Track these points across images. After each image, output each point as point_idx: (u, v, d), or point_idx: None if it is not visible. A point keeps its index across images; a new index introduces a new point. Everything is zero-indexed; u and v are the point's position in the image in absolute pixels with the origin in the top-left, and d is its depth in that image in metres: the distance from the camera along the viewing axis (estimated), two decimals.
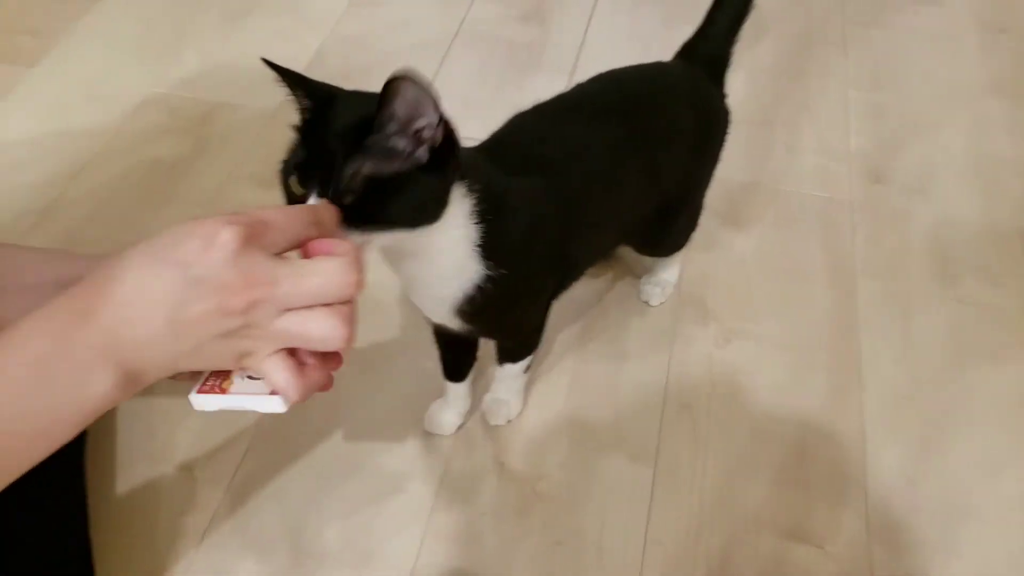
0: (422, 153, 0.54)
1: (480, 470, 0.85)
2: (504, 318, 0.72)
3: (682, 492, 0.84)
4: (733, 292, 1.02)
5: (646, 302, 0.99)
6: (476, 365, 0.86)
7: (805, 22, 1.44)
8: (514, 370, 0.84)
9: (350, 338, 0.46)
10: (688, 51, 0.85)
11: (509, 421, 0.89)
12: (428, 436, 0.88)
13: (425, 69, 1.34)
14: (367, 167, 0.52)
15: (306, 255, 0.47)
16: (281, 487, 0.84)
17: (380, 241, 0.55)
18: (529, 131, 0.74)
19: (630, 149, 0.75)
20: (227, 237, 0.42)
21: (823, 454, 0.87)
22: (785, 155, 1.20)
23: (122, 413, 0.89)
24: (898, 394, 0.92)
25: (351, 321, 0.46)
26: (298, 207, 0.49)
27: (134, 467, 0.85)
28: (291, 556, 0.79)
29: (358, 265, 0.46)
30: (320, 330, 0.45)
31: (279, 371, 0.46)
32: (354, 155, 0.52)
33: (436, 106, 0.53)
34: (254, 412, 0.49)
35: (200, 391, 0.49)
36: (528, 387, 0.90)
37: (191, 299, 0.42)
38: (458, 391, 0.86)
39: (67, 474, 0.79)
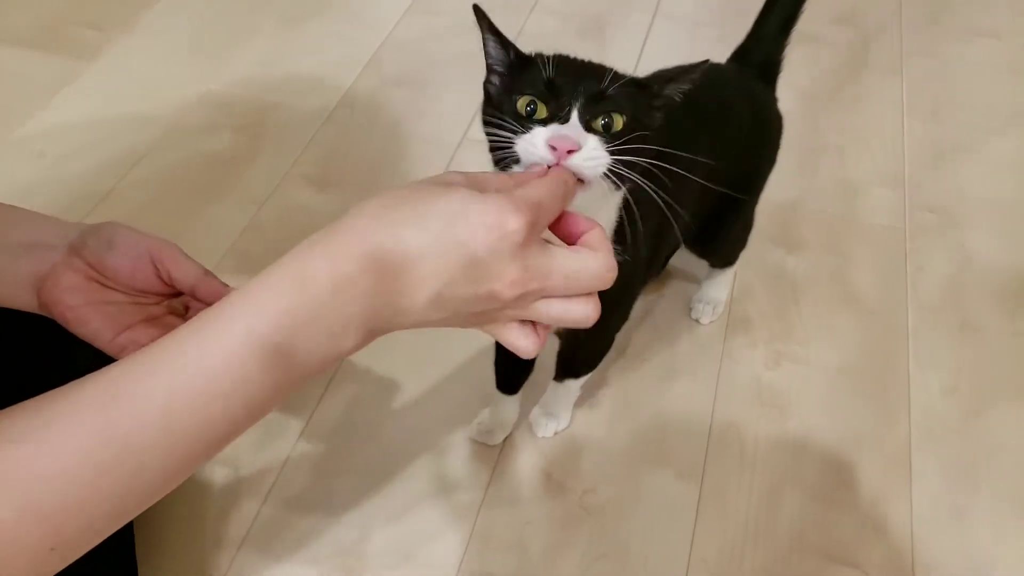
0: (657, 117, 0.57)
1: (526, 480, 0.86)
2: (611, 303, 0.71)
3: (727, 511, 0.83)
4: (783, 314, 1.02)
5: (696, 320, 0.99)
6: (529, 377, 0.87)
7: (861, 49, 1.44)
8: (574, 385, 0.84)
9: (596, 318, 0.46)
10: (740, 56, 0.87)
11: (556, 434, 0.89)
12: (475, 444, 0.88)
13: (480, 78, 1.36)
14: (626, 103, 0.54)
15: (559, 233, 0.47)
16: (326, 490, 0.84)
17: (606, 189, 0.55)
18: None
19: (699, 141, 0.75)
20: (515, 227, 0.41)
21: (868, 479, 0.86)
22: (838, 180, 1.19)
23: None
24: (946, 427, 0.91)
25: (599, 303, 0.46)
26: (554, 180, 0.47)
27: None
28: (334, 560, 0.79)
29: (614, 256, 0.46)
30: (577, 315, 0.45)
31: (523, 338, 0.46)
32: (620, 88, 0.54)
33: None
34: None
35: None
36: (576, 401, 0.90)
37: (466, 279, 0.42)
38: (508, 403, 0.86)
39: None
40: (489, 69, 0.60)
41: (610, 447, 0.88)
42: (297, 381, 0.42)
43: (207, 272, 0.59)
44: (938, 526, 0.83)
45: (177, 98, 1.29)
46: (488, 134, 0.56)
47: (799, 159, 1.21)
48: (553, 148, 0.51)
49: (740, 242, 0.95)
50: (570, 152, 0.51)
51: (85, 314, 0.56)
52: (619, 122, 0.53)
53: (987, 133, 1.28)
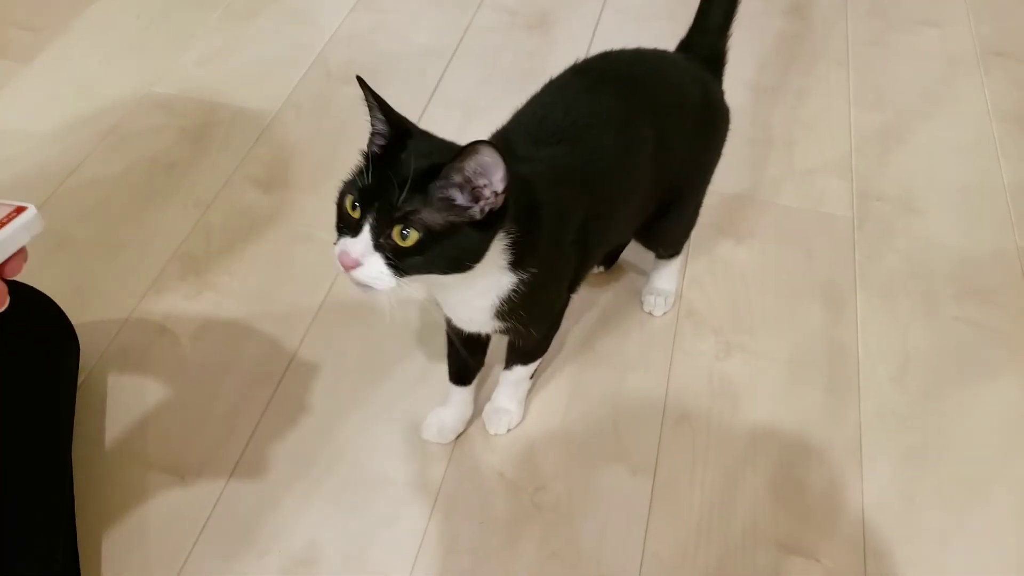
0: (475, 211, 0.58)
1: (478, 479, 0.85)
2: (537, 308, 0.73)
3: (680, 504, 0.83)
4: (732, 305, 1.02)
5: (649, 313, 0.99)
6: (480, 372, 0.86)
7: (808, 40, 1.45)
8: (522, 373, 0.84)
9: None
10: (684, 49, 0.88)
11: (509, 430, 0.88)
12: (427, 443, 0.87)
13: (430, 74, 1.35)
14: (426, 215, 0.56)
15: None
16: (273, 493, 0.82)
17: (418, 280, 0.59)
18: (538, 110, 0.76)
19: (641, 124, 0.77)
20: None
21: (820, 468, 0.87)
22: (785, 171, 1.20)
23: (112, 413, 0.88)
24: (895, 411, 0.92)
25: None
26: None
27: (123, 470, 0.84)
28: (283, 564, 0.78)
29: None
30: None
31: None
32: (417, 197, 0.56)
33: (504, 176, 0.56)
34: None
35: None
36: (529, 397, 0.90)
37: None
38: (462, 396, 0.86)
39: (55, 471, 0.78)
40: (372, 136, 0.62)
41: (563, 443, 0.88)
42: None
43: None
44: (890, 512, 0.83)
45: (118, 100, 1.26)
46: None
47: (748, 150, 1.21)
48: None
49: (685, 232, 0.95)
50: (351, 267, 0.57)
51: None
52: (413, 237, 0.56)
53: (931, 120, 1.30)
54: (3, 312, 0.78)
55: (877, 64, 1.41)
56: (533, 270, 0.66)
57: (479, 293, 0.67)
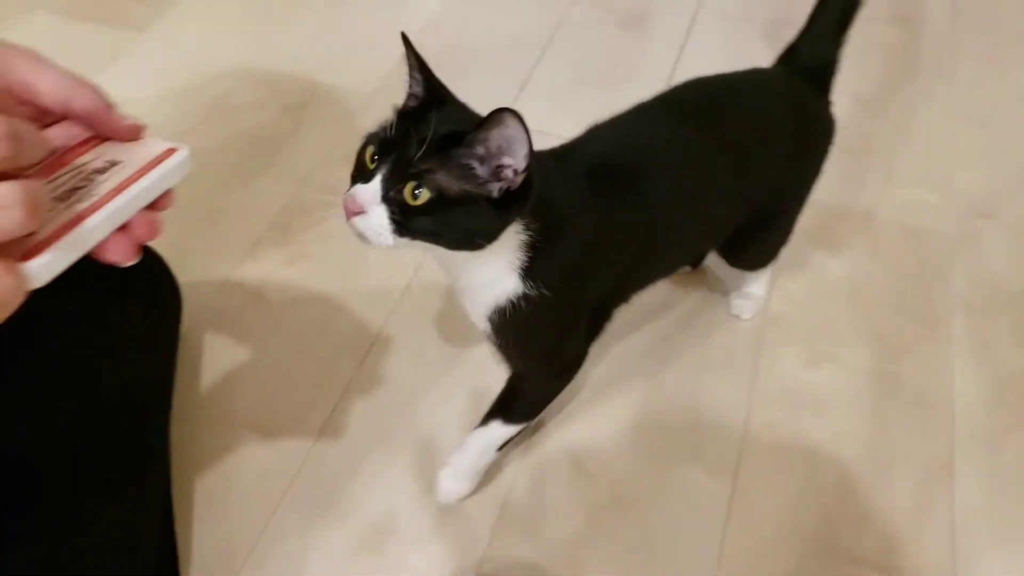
0: (494, 188, 0.55)
1: (556, 467, 0.85)
2: (537, 338, 0.69)
3: (759, 511, 0.82)
4: (821, 316, 1.00)
5: (736, 315, 0.97)
6: None
7: (915, 52, 1.41)
8: (497, 435, 0.75)
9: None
10: (790, 55, 0.81)
11: (449, 501, 0.80)
12: None
13: (520, 66, 1.36)
14: (440, 176, 0.54)
15: None
16: (354, 460, 0.85)
17: (421, 245, 0.57)
18: (610, 138, 0.71)
19: (716, 158, 0.72)
20: None
21: (905, 486, 0.85)
22: (885, 184, 1.17)
23: (205, 370, 0.92)
24: (989, 435, 0.89)
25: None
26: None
27: (215, 425, 0.87)
28: (361, 529, 0.80)
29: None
30: None
31: None
32: (435, 157, 0.54)
33: (528, 153, 0.54)
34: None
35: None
36: (607, 390, 0.89)
37: None
38: None
39: (158, 415, 0.81)
40: (408, 96, 0.60)
41: (642, 438, 0.88)
42: None
43: (88, 88, 0.44)
44: (980, 537, 0.81)
45: (222, 73, 1.30)
46: None
47: (847, 161, 1.18)
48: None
49: (778, 246, 0.90)
50: (355, 213, 0.54)
51: None
52: (424, 197, 0.54)
53: None
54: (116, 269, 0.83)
55: (985, 79, 1.36)
56: (544, 291, 0.63)
57: (483, 283, 0.64)
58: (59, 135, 0.45)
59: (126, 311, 0.81)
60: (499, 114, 0.52)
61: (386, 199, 0.54)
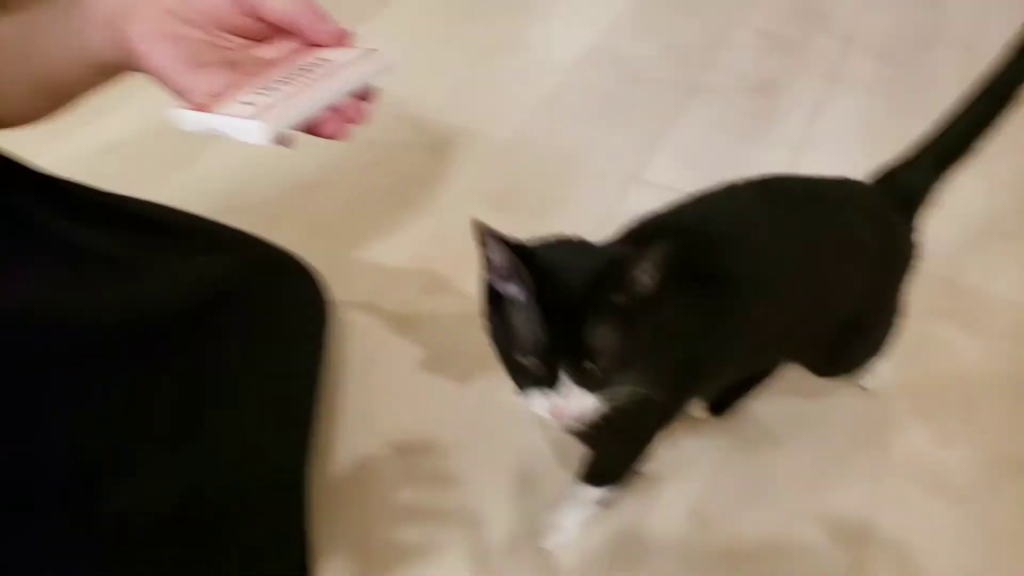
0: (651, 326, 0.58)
1: (671, 514, 0.87)
2: (619, 419, 0.66)
3: None
4: (951, 393, 0.99)
5: (860, 385, 0.98)
6: None
7: None
8: (591, 495, 0.81)
9: None
10: (886, 175, 0.80)
11: (556, 550, 0.83)
12: None
13: (655, 121, 1.41)
14: (605, 332, 0.55)
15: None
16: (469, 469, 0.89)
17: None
18: (699, 225, 0.71)
19: (799, 263, 0.71)
20: None
21: None
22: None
23: (347, 384, 0.99)
24: None
25: None
26: None
27: (353, 435, 0.94)
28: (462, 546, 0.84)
29: None
30: None
31: None
32: (601, 318, 0.55)
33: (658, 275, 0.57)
34: (235, 140, 0.48)
35: (189, 108, 0.48)
36: (726, 435, 0.91)
37: None
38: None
39: (309, 420, 0.88)
40: (488, 268, 0.60)
41: (761, 487, 0.89)
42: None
43: (303, 6, 0.54)
44: None
45: (380, 116, 1.41)
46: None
47: (985, 241, 1.18)
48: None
49: (862, 357, 0.87)
50: (561, 416, 0.57)
51: (155, 48, 0.51)
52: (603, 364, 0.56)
53: None
54: (288, 278, 0.91)
55: None
56: (633, 386, 0.62)
57: None
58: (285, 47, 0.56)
59: (289, 321, 0.89)
60: (638, 257, 0.55)
61: (576, 382, 0.56)
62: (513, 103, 1.44)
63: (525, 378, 0.58)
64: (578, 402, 0.57)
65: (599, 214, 1.22)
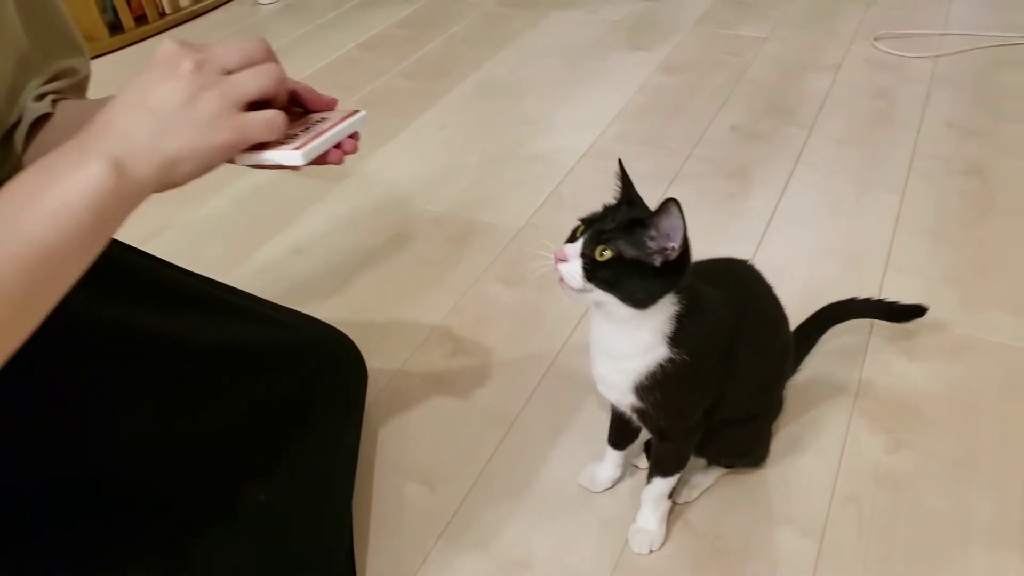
0: (657, 258, 0.76)
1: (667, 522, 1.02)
2: (673, 401, 0.85)
3: (842, 572, 0.95)
4: (905, 410, 1.13)
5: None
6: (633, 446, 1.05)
7: (987, 198, 1.57)
8: (662, 488, 0.94)
9: (280, 70, 0.64)
10: None
11: (652, 551, 0.97)
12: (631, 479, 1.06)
13: (647, 199, 1.62)
14: (621, 243, 0.77)
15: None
16: (499, 507, 1.05)
17: (599, 297, 0.77)
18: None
19: (766, 326, 0.94)
20: (170, 46, 0.59)
21: (981, 562, 0.94)
22: (966, 300, 1.31)
23: (382, 434, 1.17)
24: None
25: (273, 73, 0.63)
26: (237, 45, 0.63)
27: (386, 477, 1.11)
28: (502, 563, 0.99)
29: (265, 44, 0.64)
30: (268, 72, 0.63)
31: (259, 116, 0.62)
32: (620, 231, 0.77)
33: (684, 235, 0.77)
34: (283, 170, 0.67)
35: (244, 151, 0.63)
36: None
37: (155, 81, 0.58)
38: (614, 457, 1.03)
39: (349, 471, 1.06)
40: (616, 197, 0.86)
41: (741, 501, 1.03)
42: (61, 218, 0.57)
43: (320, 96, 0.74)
44: None
45: (404, 212, 1.66)
46: None
47: (928, 285, 1.34)
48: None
49: (759, 444, 1.05)
50: (560, 260, 0.79)
51: None
52: (607, 255, 0.76)
53: None
54: (329, 352, 1.12)
55: None
56: (686, 356, 0.81)
57: (633, 352, 0.82)
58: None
59: (332, 386, 1.09)
60: (667, 204, 0.74)
61: (583, 255, 0.77)
62: (519, 198, 1.67)
63: (568, 241, 0.80)
64: (572, 265, 0.77)
65: None
